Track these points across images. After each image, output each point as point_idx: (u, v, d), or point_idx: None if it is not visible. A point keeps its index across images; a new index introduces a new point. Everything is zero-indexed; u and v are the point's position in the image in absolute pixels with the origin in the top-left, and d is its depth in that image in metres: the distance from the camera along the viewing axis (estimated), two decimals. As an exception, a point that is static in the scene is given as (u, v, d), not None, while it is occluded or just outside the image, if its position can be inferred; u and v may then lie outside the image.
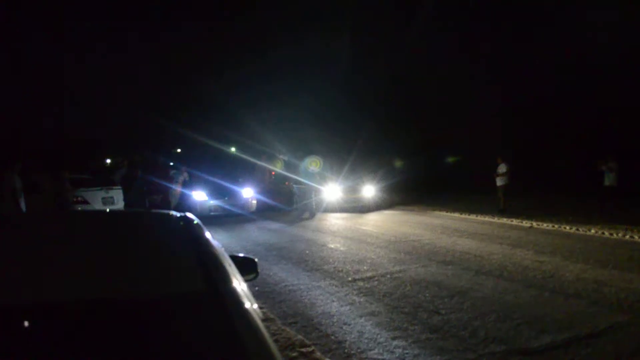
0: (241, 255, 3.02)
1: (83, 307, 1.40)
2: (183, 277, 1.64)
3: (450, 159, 23.63)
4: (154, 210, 2.71)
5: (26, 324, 1.35)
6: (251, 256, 3.06)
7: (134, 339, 1.34)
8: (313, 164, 16.16)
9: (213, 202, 15.47)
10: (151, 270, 1.68)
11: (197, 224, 2.21)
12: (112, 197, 13.09)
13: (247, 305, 1.52)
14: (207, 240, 1.96)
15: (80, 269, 1.63)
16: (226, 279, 1.63)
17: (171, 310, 1.46)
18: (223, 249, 2.08)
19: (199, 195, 15.37)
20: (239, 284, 1.67)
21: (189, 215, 2.35)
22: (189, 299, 1.50)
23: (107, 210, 10.31)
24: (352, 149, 21.16)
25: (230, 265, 1.84)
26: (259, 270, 3.07)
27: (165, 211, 2.48)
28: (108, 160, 35.40)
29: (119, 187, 13.05)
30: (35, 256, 1.71)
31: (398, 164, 23.04)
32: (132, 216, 2.69)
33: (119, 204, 12.79)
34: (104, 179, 14.05)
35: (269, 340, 1.38)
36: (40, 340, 1.31)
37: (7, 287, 1.48)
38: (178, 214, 2.33)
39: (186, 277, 1.64)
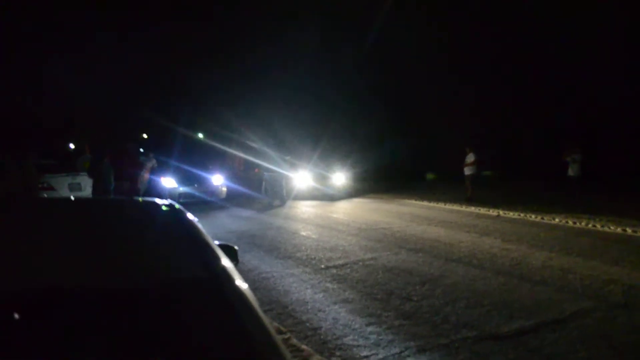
0: (219, 243, 3.02)
1: (88, 295, 1.39)
2: (183, 264, 1.65)
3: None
4: (143, 198, 2.69)
5: (16, 314, 1.33)
6: (231, 244, 3.06)
7: (138, 326, 1.34)
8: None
9: (182, 189, 15.28)
10: (152, 258, 1.68)
11: (183, 211, 2.20)
12: (79, 184, 12.78)
13: (244, 289, 1.53)
14: (197, 227, 1.97)
15: (79, 257, 1.61)
16: (222, 265, 1.64)
17: (176, 297, 1.46)
18: (210, 236, 2.08)
19: (168, 182, 15.17)
20: (233, 270, 1.68)
21: (173, 202, 2.33)
22: (192, 285, 1.50)
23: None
24: (322, 136, 21.16)
25: (220, 252, 1.85)
26: (238, 258, 3.08)
27: (150, 199, 2.46)
28: (72, 145, 34.49)
29: (85, 173, 12.75)
30: (37, 244, 1.67)
31: (367, 152, 23.22)
32: (119, 204, 2.66)
33: (87, 191, 12.50)
34: (70, 165, 13.71)
35: (267, 322, 1.40)
36: (40, 326, 1.29)
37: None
38: (163, 202, 2.31)
39: (186, 264, 1.64)
